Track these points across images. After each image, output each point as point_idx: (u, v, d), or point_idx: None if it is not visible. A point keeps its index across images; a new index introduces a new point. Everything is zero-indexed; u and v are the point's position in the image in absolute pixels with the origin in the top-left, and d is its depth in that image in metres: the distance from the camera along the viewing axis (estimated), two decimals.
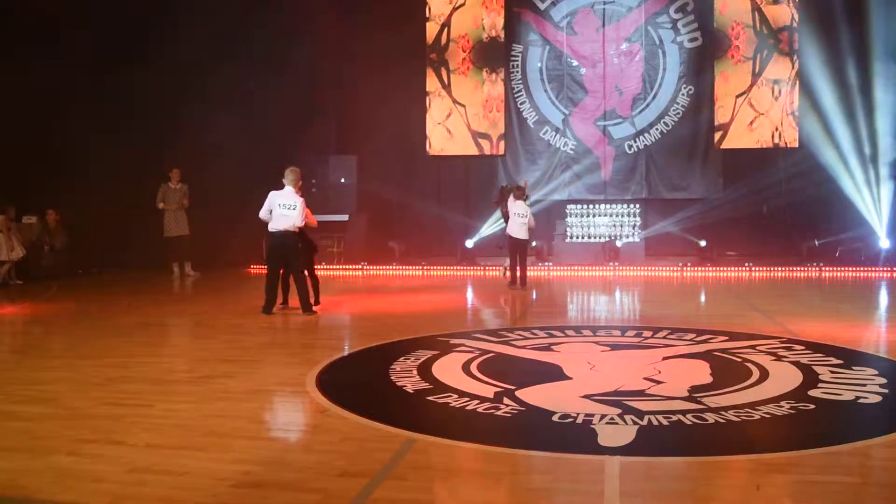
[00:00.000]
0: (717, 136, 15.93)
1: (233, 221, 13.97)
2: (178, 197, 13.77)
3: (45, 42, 13.64)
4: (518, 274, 11.33)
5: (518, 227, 11.24)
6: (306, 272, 9.08)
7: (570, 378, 5.41)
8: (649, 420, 4.25)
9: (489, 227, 15.72)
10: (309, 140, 16.01)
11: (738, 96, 15.86)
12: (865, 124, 14.98)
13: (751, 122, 15.82)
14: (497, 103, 16.56)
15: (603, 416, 4.32)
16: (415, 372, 5.57)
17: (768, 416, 4.36)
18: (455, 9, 16.66)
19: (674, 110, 16.10)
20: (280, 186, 8.75)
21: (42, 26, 13.73)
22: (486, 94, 16.59)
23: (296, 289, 8.74)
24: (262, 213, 8.66)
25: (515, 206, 11.32)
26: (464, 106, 16.66)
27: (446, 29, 16.71)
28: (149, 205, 13.79)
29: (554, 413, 4.43)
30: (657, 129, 16.15)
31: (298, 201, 8.67)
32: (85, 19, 13.78)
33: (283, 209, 8.58)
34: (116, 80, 14.37)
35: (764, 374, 5.37)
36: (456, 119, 16.71)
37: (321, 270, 14.52)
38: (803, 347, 6.36)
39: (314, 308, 8.86)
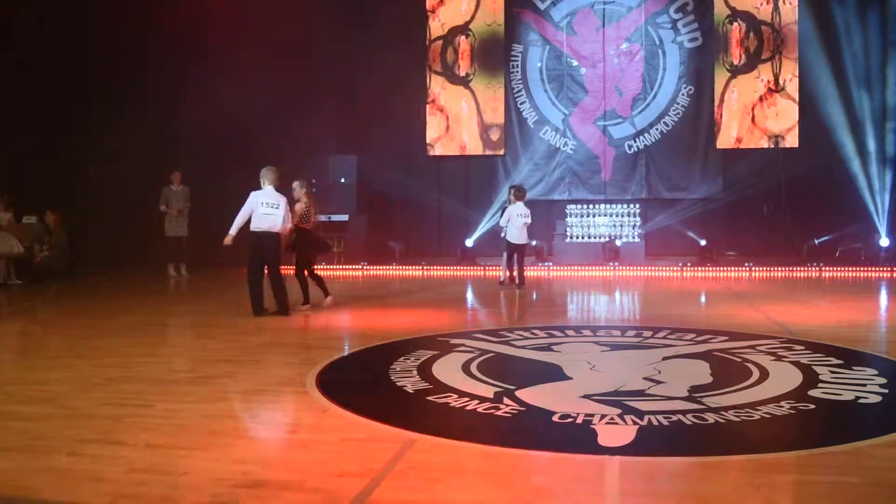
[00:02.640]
0: (717, 136, 15.94)
1: (232, 222, 13.95)
2: (179, 199, 13.75)
3: (45, 43, 13.65)
4: (515, 274, 11.34)
5: (519, 231, 11.17)
6: (304, 272, 9.12)
7: (570, 378, 5.41)
8: (649, 420, 4.25)
9: (486, 224, 15.76)
10: (309, 140, 16.02)
11: (738, 96, 15.86)
12: (866, 122, 15.00)
13: (751, 122, 15.83)
14: (497, 103, 16.56)
15: (603, 416, 4.32)
16: (415, 372, 5.57)
17: (768, 416, 4.36)
18: (455, 8, 16.67)
19: (674, 110, 16.10)
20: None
21: (42, 27, 13.74)
22: (486, 94, 16.59)
23: (273, 289, 8.63)
24: (242, 214, 8.44)
25: (517, 208, 11.24)
26: (464, 106, 16.66)
27: (446, 29, 16.72)
28: (149, 205, 13.78)
29: (554, 413, 4.43)
30: (657, 129, 16.15)
31: (282, 200, 8.58)
32: (84, 20, 13.80)
33: (267, 208, 8.44)
34: (116, 80, 14.39)
35: (764, 374, 5.37)
36: (456, 119, 16.71)
37: (321, 270, 14.57)
38: (803, 347, 6.37)
39: (301, 309, 8.85)
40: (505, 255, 11.63)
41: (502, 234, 11.45)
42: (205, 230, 14.12)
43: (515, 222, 11.15)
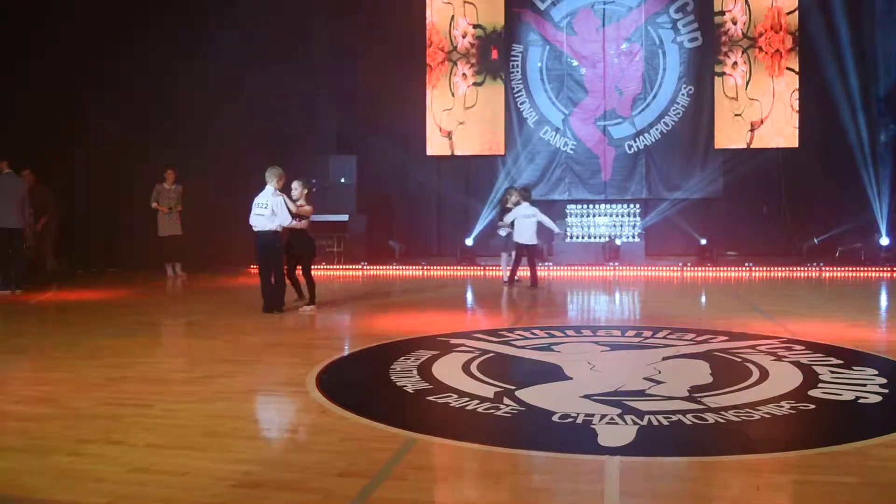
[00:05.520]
0: (717, 135, 15.93)
1: (231, 221, 13.96)
2: (172, 197, 13.69)
3: (44, 39, 13.64)
4: (529, 274, 11.38)
5: (526, 231, 11.23)
6: (297, 272, 9.17)
7: (570, 378, 5.41)
8: (649, 420, 4.25)
9: (485, 222, 15.76)
10: (309, 140, 16.00)
11: (738, 96, 15.86)
12: (866, 121, 14.99)
13: (751, 122, 15.82)
14: (497, 103, 16.55)
15: (603, 416, 4.32)
16: (415, 372, 5.57)
17: (768, 416, 4.36)
18: (455, 8, 16.67)
19: (674, 110, 16.10)
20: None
21: (41, 24, 13.73)
22: (486, 94, 16.59)
23: (273, 286, 8.81)
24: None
25: (523, 209, 11.28)
26: (464, 105, 16.66)
27: (446, 28, 16.71)
28: (147, 204, 13.73)
29: (554, 413, 4.44)
30: (657, 129, 16.15)
31: (272, 201, 8.68)
32: (84, 17, 13.78)
33: (257, 208, 8.72)
34: (116, 79, 14.38)
35: (764, 374, 5.38)
36: (456, 119, 16.70)
37: (321, 270, 14.58)
38: (803, 347, 6.37)
39: (306, 310, 9.00)
40: (505, 255, 11.71)
41: (502, 234, 11.49)
42: (204, 230, 14.15)
43: (522, 223, 11.19)
